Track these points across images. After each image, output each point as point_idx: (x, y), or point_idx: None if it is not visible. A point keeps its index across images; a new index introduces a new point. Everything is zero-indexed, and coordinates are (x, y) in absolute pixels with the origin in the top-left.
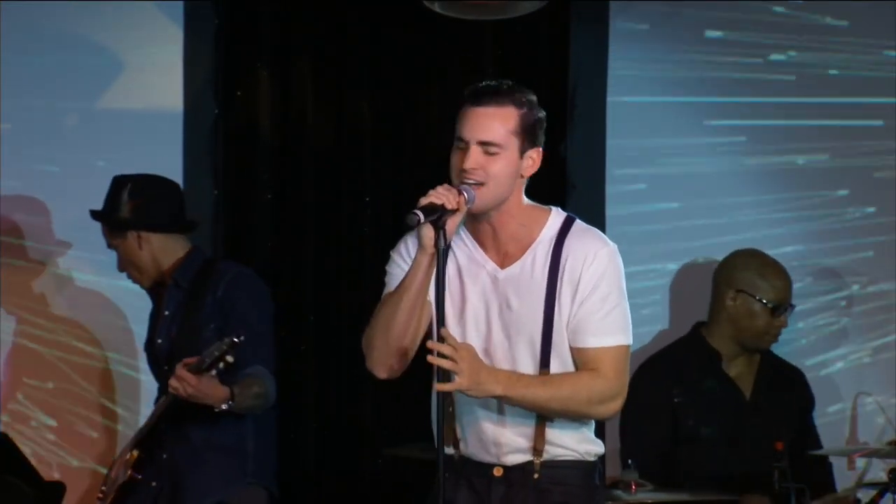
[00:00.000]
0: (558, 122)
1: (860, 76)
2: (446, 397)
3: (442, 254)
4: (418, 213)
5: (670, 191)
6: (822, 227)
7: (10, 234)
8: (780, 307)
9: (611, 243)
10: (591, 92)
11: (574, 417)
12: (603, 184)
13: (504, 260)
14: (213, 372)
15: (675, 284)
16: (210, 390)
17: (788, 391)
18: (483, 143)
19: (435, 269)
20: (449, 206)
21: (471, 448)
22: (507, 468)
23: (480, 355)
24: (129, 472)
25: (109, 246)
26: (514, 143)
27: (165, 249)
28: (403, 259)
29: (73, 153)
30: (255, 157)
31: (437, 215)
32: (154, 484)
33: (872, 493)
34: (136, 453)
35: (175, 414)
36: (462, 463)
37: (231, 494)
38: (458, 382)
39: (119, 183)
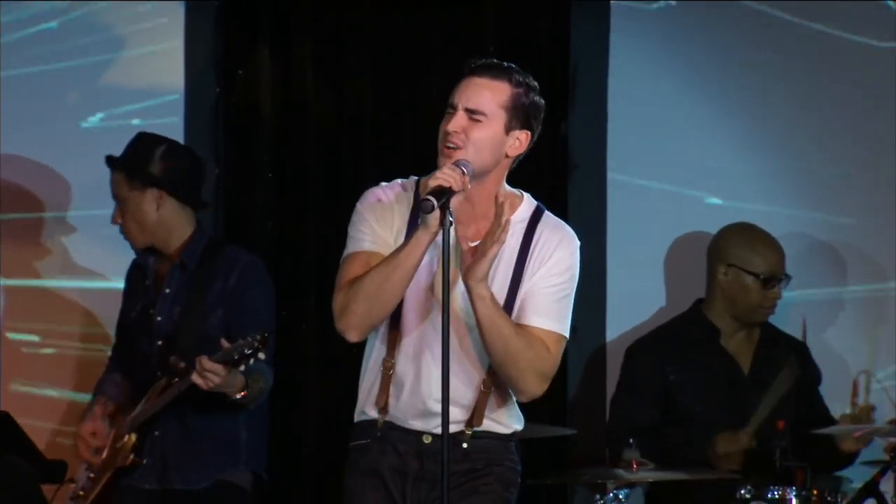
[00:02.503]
0: (560, 101)
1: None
2: (388, 363)
3: (447, 232)
4: (431, 198)
5: (671, 167)
6: (823, 202)
7: (10, 212)
8: (772, 279)
9: (578, 239)
10: (592, 70)
11: (507, 376)
12: (604, 162)
13: (475, 235)
14: (242, 367)
15: (675, 261)
16: (232, 380)
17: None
18: (468, 111)
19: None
20: (456, 188)
21: (402, 415)
22: (436, 436)
23: (440, 323)
24: (130, 456)
25: (116, 196)
26: (500, 117)
27: (176, 218)
28: (377, 220)
29: (73, 133)
30: (256, 136)
31: (446, 198)
32: (145, 461)
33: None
34: (133, 437)
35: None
36: (387, 428)
37: (222, 477)
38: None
39: (150, 140)
